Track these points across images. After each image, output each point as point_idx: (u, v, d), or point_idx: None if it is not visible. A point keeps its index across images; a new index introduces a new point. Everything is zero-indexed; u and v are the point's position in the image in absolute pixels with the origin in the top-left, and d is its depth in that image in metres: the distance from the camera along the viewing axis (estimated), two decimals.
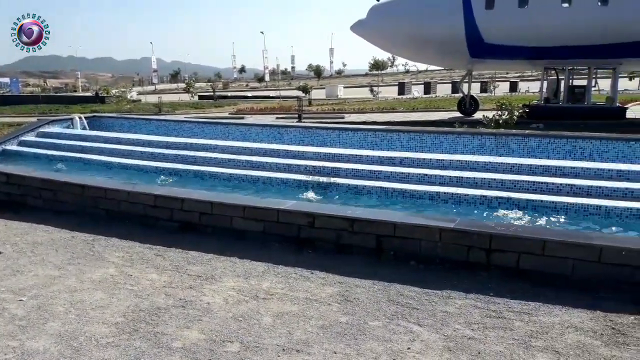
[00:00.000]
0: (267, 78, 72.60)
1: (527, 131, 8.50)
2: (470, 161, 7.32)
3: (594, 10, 17.29)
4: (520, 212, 5.83)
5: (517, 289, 4.28)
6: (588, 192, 6.09)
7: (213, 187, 7.88)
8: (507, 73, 47.52)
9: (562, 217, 5.75)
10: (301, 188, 7.29)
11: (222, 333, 3.64)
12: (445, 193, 6.46)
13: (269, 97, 42.77)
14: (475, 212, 6.15)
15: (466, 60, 19.67)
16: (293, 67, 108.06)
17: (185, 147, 9.93)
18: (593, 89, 21.23)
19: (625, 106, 20.25)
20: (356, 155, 8.23)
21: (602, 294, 4.18)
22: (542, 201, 5.89)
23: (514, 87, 38.52)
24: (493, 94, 33.36)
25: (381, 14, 20.30)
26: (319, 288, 4.40)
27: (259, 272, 4.75)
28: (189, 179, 8.45)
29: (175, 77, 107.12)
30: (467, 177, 6.77)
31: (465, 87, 21.68)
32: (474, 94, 22.76)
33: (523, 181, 6.42)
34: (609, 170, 6.50)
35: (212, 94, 42.54)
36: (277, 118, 22.24)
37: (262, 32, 75.63)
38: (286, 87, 59.18)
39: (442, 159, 7.54)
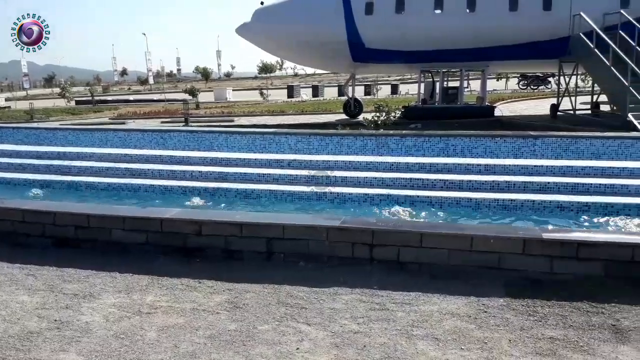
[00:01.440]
0: (151, 81, 69.52)
1: (404, 131, 8.98)
2: (354, 161, 7.59)
3: (463, 16, 18.65)
4: (400, 207, 6.15)
5: (399, 281, 4.50)
6: (459, 186, 6.57)
7: (90, 198, 7.41)
8: (389, 76, 49.82)
9: (438, 209, 6.15)
10: (187, 195, 7.10)
11: (103, 353, 3.44)
12: (331, 193, 6.63)
13: (153, 100, 41.03)
14: (360, 209, 6.38)
15: (349, 65, 20.28)
16: (179, 70, 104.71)
17: (59, 156, 9.24)
18: (465, 89, 22.91)
19: (494, 105, 22.08)
20: (244, 158, 8.18)
21: (475, 280, 4.51)
22: (418, 196, 6.27)
23: (395, 89, 40.42)
24: (376, 97, 34.77)
25: (265, 18, 20.34)
26: (207, 297, 4.30)
27: (142, 286, 4.54)
28: (63, 190, 7.87)
29: (49, 81, 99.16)
30: (351, 177, 7.00)
31: (349, 90, 22.37)
32: (358, 97, 23.55)
33: (401, 178, 6.78)
34: (478, 165, 7.07)
35: (90, 98, 39.98)
36: (162, 122, 21.43)
37: (144, 34, 72.57)
38: (172, 90, 57.17)
39: (327, 160, 7.73)
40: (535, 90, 34.36)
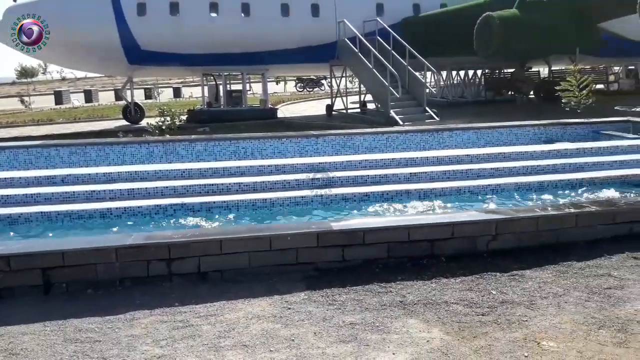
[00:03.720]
0: None
1: (193, 136, 8.75)
2: (140, 171, 7.11)
3: (239, 20, 19.02)
4: (197, 216, 5.95)
5: (202, 293, 4.32)
6: (254, 188, 6.64)
7: None
8: (170, 79, 48.40)
9: (234, 213, 6.11)
10: None
11: None
12: (117, 208, 6.09)
13: None
14: (153, 223, 6.00)
15: (125, 68, 19.12)
16: None
17: None
18: (248, 92, 23.46)
19: (276, 107, 23.06)
20: (5, 178, 7.03)
21: (277, 278, 4.57)
22: (214, 202, 6.15)
23: (178, 92, 39.47)
24: (158, 101, 33.48)
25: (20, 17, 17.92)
26: None
27: None
28: None
29: None
30: (138, 188, 6.54)
31: (128, 94, 21.07)
32: (138, 101, 22.36)
33: (195, 185, 6.57)
34: (269, 166, 7.23)
35: None
36: None
37: None
38: None
39: (109, 172, 7.10)
40: (311, 92, 36.86)
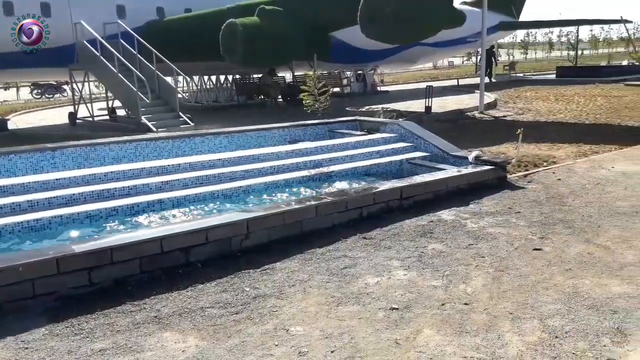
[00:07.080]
0: None
1: None
2: None
3: None
4: None
5: None
6: None
7: None
8: None
9: None
10: None
11: None
12: None
13: None
14: None
15: None
16: None
17: None
18: None
19: (6, 117, 20.11)
20: None
21: (10, 317, 4.00)
22: None
23: None
24: None
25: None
26: None
27: None
28: None
29: None
30: None
31: None
32: None
33: None
34: None
35: None
36: None
37: None
38: None
39: None
40: (51, 99, 33.16)
